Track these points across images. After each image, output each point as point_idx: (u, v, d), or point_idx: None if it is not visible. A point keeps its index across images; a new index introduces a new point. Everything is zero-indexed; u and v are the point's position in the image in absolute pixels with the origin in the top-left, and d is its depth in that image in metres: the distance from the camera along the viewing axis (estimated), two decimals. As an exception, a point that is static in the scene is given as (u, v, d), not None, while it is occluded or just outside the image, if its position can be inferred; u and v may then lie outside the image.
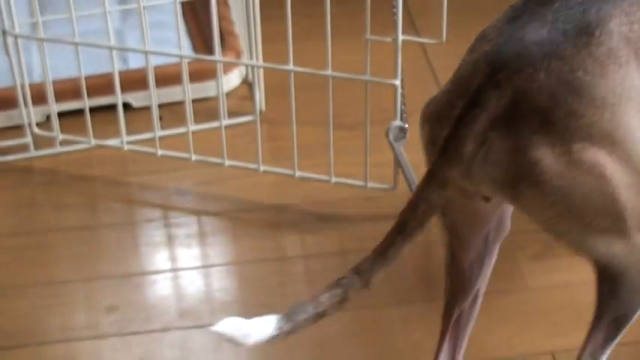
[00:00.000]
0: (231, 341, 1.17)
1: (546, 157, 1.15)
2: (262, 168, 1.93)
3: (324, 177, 1.90)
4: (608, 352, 1.33)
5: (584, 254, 1.25)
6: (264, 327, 1.19)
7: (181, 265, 1.83)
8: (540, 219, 1.22)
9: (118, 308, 1.75)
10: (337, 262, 1.82)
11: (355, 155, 1.90)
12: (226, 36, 2.15)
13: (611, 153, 1.17)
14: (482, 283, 1.44)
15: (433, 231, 1.86)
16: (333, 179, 1.89)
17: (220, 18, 2.18)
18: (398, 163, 1.84)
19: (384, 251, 1.22)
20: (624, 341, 1.44)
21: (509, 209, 1.39)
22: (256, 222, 1.91)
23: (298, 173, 1.91)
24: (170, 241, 1.88)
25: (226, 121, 2.03)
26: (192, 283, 1.80)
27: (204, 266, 1.83)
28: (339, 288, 1.20)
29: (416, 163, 1.88)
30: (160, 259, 1.85)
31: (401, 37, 1.73)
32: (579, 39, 1.17)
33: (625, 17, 1.19)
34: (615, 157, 1.17)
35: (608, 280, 1.26)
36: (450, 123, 1.18)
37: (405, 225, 1.20)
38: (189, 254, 1.85)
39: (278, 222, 1.90)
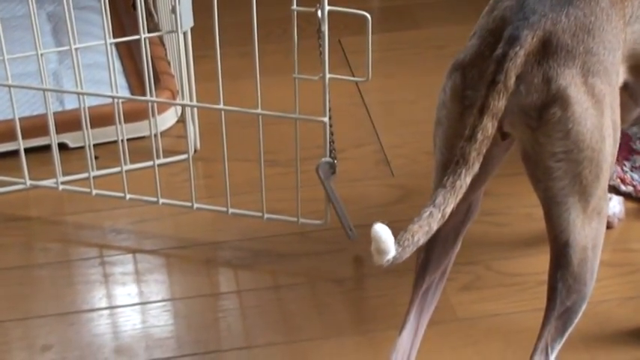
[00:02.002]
0: (382, 244, 1.26)
1: (571, 84, 1.34)
2: (196, 205, 1.95)
3: (257, 213, 1.93)
4: (559, 346, 1.47)
5: (555, 221, 1.40)
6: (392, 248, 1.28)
7: (117, 303, 1.85)
8: (550, 152, 1.36)
9: (53, 346, 1.77)
10: (271, 297, 1.84)
11: (288, 191, 1.93)
12: (161, 76, 2.18)
13: (609, 95, 1.38)
14: (449, 263, 1.58)
15: (365, 264, 1.91)
16: (266, 216, 1.92)
17: (156, 58, 2.22)
18: (329, 199, 1.87)
19: (453, 184, 1.33)
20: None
21: (482, 194, 1.55)
22: (191, 259, 1.93)
23: (231, 210, 1.94)
24: (106, 279, 1.89)
25: (161, 160, 2.07)
26: (128, 321, 1.82)
27: (140, 303, 1.85)
28: (423, 221, 1.31)
29: (346, 197, 1.93)
30: (95, 297, 1.86)
31: (328, 75, 1.77)
32: None
33: None
34: (610, 102, 1.38)
35: (563, 264, 1.42)
36: (486, 65, 1.35)
37: (467, 157, 1.33)
38: (124, 292, 1.87)
39: (212, 258, 1.93)
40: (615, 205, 1.94)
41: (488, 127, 1.34)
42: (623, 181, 2.01)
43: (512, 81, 1.34)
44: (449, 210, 1.33)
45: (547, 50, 1.35)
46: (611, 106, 1.38)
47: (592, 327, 1.76)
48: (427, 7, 2.58)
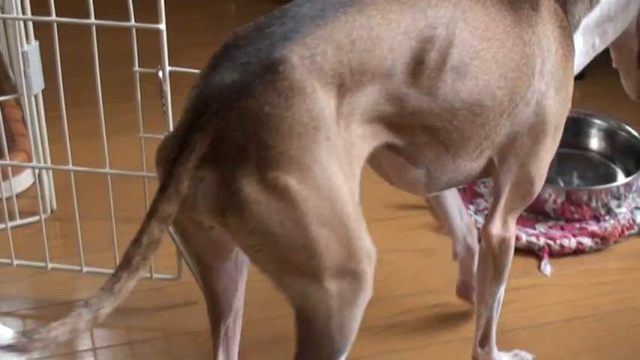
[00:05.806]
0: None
1: (245, 186, 1.27)
2: (50, 265, 1.97)
3: (111, 271, 1.93)
4: None
5: (283, 291, 1.35)
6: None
7: (-30, 367, 1.85)
8: (244, 246, 1.34)
9: None
10: (126, 353, 1.87)
11: (143, 248, 1.96)
12: (17, 137, 2.20)
13: (302, 180, 1.28)
14: (240, 302, 1.54)
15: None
16: (120, 272, 1.95)
17: (11, 120, 2.24)
18: (180, 254, 1.90)
19: (112, 287, 1.29)
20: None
21: None
22: (47, 319, 1.90)
23: (85, 269, 1.96)
24: (-41, 343, 1.89)
25: (17, 222, 2.08)
26: (-19, 385, 1.82)
27: (-6, 366, 1.85)
28: (69, 319, 1.26)
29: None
30: (-52, 362, 1.86)
31: (172, 133, 1.81)
32: (266, 77, 1.28)
33: (307, 51, 1.30)
34: (305, 185, 1.28)
35: (304, 322, 1.37)
36: (163, 168, 1.31)
37: (130, 260, 1.29)
38: (-22, 355, 1.88)
39: (68, 318, 1.94)
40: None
41: (155, 232, 1.29)
42: (467, 224, 2.09)
43: (183, 185, 1.28)
44: (104, 312, 1.27)
45: (219, 151, 1.28)
46: (308, 191, 1.29)
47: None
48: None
